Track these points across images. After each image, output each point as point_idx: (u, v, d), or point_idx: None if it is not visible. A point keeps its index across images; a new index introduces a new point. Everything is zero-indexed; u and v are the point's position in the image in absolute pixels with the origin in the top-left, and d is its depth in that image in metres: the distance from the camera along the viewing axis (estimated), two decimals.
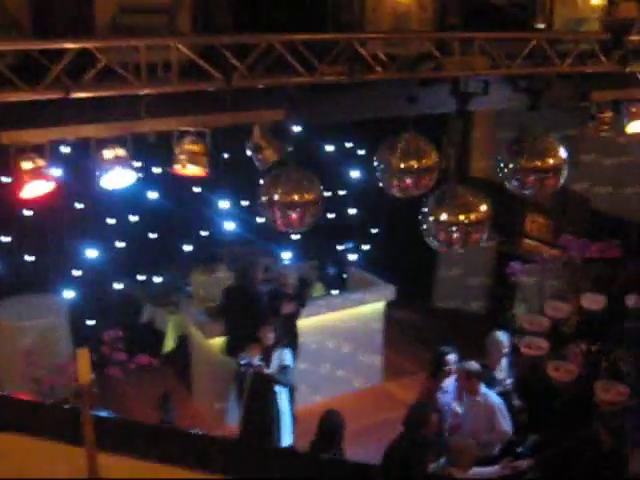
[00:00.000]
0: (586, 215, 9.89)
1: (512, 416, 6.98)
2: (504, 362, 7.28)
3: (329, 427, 6.29)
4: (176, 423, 6.67)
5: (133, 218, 9.64)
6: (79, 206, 8.94)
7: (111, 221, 9.51)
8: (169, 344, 9.31)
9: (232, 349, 8.04)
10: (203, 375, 8.60)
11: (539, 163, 5.54)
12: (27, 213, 8.70)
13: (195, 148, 4.41)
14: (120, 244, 9.61)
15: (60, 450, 2.86)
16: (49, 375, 6.23)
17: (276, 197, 5.09)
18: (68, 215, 8.95)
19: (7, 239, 8.98)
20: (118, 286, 9.68)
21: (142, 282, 9.99)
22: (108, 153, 4.03)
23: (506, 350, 7.23)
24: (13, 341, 8.53)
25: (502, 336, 7.23)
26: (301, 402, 8.55)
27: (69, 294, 9.27)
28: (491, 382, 6.99)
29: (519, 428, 7.12)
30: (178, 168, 4.46)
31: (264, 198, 5.08)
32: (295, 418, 8.38)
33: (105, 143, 4.05)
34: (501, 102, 5.89)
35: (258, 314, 7.90)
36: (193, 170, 4.46)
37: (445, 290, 11.41)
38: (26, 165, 3.80)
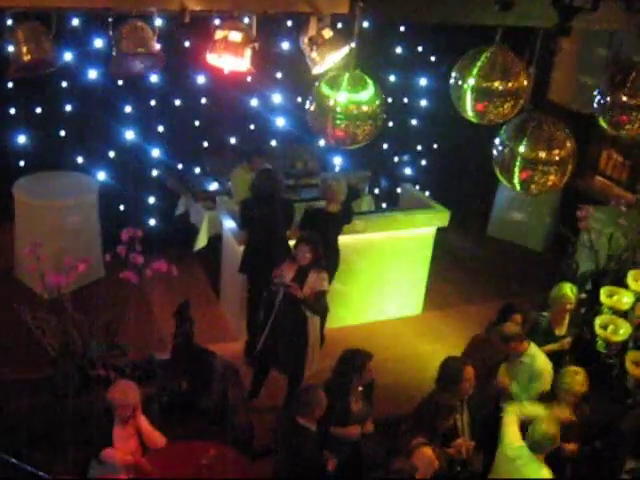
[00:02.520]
0: None
1: None
2: (567, 318, 6.54)
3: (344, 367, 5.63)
4: (192, 335, 6.13)
5: (176, 102, 8.90)
6: (119, 83, 8.21)
7: (152, 103, 8.78)
8: (202, 242, 8.75)
9: (245, 265, 7.43)
10: (232, 282, 8.04)
11: None
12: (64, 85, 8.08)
13: (236, 37, 3.62)
14: (160, 128, 8.94)
15: None
16: (55, 270, 5.67)
17: (330, 103, 4.37)
18: (107, 92, 8.29)
19: (39, 110, 8.35)
20: (155, 173, 9.11)
21: (181, 172, 9.35)
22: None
23: (571, 306, 6.46)
24: (38, 220, 8.05)
25: (570, 291, 6.44)
26: (334, 324, 8.06)
27: (102, 176, 8.75)
28: (550, 338, 6.31)
29: None
30: (213, 58, 3.70)
31: (314, 105, 4.35)
32: (324, 340, 7.88)
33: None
34: (612, 22, 4.94)
35: (278, 228, 7.25)
36: (231, 63, 3.70)
37: (502, 221, 10.63)
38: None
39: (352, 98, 4.23)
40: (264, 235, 7.25)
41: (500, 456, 5.25)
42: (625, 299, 6.45)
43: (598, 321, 6.26)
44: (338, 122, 4.31)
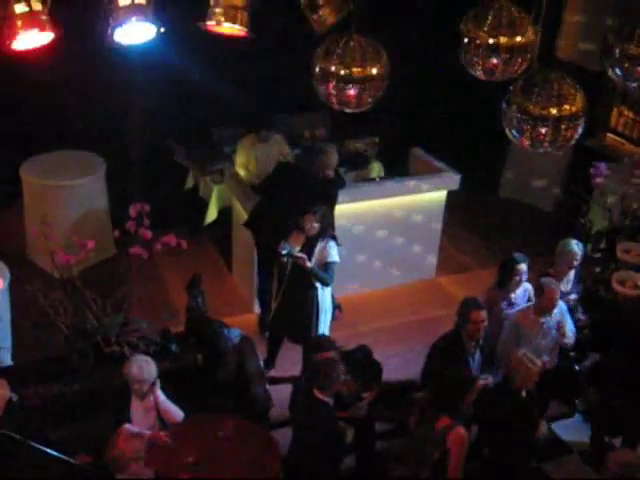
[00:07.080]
0: None
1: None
2: (572, 274, 6.54)
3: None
4: (204, 308, 6.12)
5: (179, 75, 8.78)
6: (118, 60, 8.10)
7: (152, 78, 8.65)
8: (211, 215, 8.71)
9: (251, 221, 7.31)
10: (244, 254, 8.01)
11: None
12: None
13: (235, 1, 3.55)
14: (165, 103, 8.83)
15: None
16: (65, 249, 5.65)
17: (332, 68, 4.32)
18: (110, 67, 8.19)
19: (41, 89, 8.25)
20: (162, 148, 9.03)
21: (187, 146, 9.27)
22: (123, 0, 3.22)
23: (577, 262, 6.46)
24: (46, 201, 8.02)
25: (576, 246, 6.43)
26: (348, 291, 8.03)
27: (108, 153, 8.67)
28: None
29: (581, 345, 6.52)
30: (212, 25, 3.64)
31: (317, 68, 4.30)
32: (338, 308, 7.83)
33: None
34: None
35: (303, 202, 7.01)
36: (231, 29, 3.63)
37: (513, 183, 10.53)
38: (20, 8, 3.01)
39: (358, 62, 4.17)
40: (285, 204, 6.87)
41: None
42: None
43: (615, 277, 6.20)
44: (342, 86, 4.27)
